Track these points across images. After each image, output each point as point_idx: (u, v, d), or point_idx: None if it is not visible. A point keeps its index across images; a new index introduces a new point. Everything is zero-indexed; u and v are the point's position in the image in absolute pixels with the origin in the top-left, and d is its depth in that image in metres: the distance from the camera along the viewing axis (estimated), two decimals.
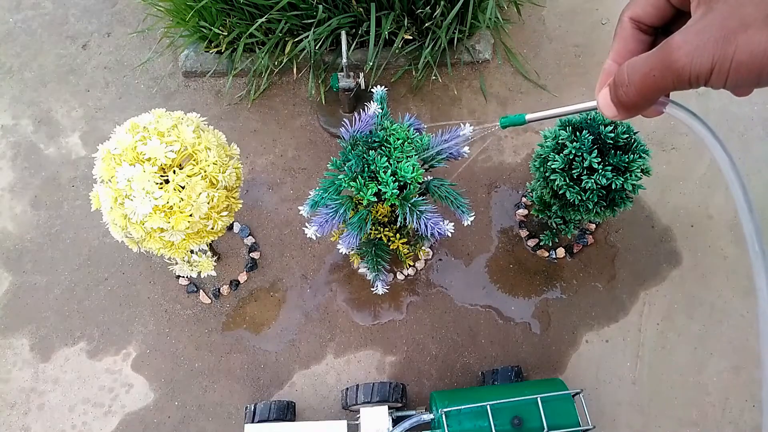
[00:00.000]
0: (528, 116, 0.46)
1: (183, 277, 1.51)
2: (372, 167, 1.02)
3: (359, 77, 1.54)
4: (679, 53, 0.30)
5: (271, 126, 1.71)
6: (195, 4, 1.56)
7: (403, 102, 1.74)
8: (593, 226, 1.56)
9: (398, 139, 1.04)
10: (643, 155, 1.18)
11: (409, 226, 1.11)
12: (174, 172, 1.01)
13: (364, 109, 1.09)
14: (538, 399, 1.14)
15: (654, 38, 0.37)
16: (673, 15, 0.35)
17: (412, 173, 1.01)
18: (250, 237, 1.56)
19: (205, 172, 1.04)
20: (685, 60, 0.29)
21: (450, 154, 1.11)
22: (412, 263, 1.52)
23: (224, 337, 1.47)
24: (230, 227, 1.56)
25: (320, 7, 1.56)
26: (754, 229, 0.33)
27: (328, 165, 1.08)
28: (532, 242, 1.55)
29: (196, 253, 1.32)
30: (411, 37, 1.66)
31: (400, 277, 1.52)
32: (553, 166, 1.19)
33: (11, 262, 1.56)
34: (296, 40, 1.63)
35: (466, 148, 1.14)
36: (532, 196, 1.43)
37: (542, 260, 1.54)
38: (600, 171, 1.14)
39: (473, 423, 1.14)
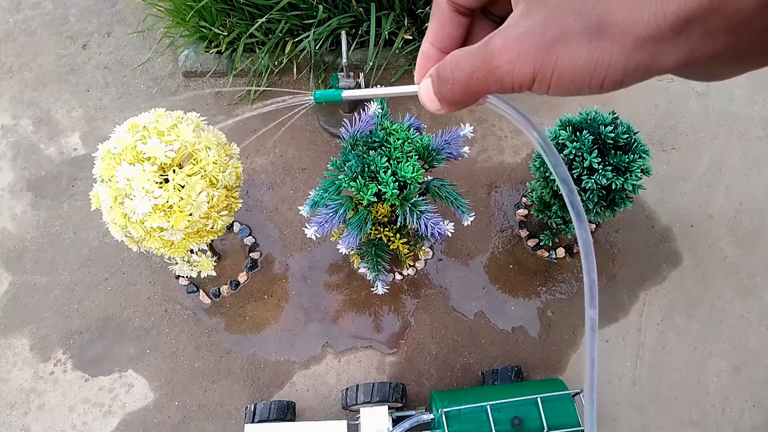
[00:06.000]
0: (345, 93, 0.42)
1: (183, 277, 1.51)
2: (372, 167, 1.02)
3: (359, 77, 1.53)
4: (500, 59, 0.28)
5: (271, 126, 1.71)
6: (195, 4, 1.56)
7: (403, 102, 1.73)
8: (593, 226, 1.56)
9: (398, 139, 1.04)
10: (643, 155, 1.18)
11: (409, 226, 1.11)
12: (174, 171, 1.01)
13: (364, 109, 1.09)
14: (538, 399, 1.14)
15: (472, 19, 0.35)
16: None
17: (412, 173, 1.01)
18: (250, 237, 1.56)
19: (204, 171, 1.04)
20: (506, 68, 0.28)
21: (450, 153, 1.11)
22: (412, 263, 1.52)
23: (224, 337, 1.47)
24: (230, 227, 1.56)
25: (320, 7, 1.56)
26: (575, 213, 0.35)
27: (328, 165, 1.08)
28: (532, 242, 1.55)
29: (196, 253, 1.32)
30: (411, 37, 1.66)
31: (399, 277, 1.52)
32: None
33: (11, 262, 1.56)
34: (296, 40, 1.63)
35: (466, 148, 1.14)
36: (532, 196, 1.43)
37: (542, 260, 1.54)
38: (600, 171, 1.14)
39: (473, 423, 1.14)
